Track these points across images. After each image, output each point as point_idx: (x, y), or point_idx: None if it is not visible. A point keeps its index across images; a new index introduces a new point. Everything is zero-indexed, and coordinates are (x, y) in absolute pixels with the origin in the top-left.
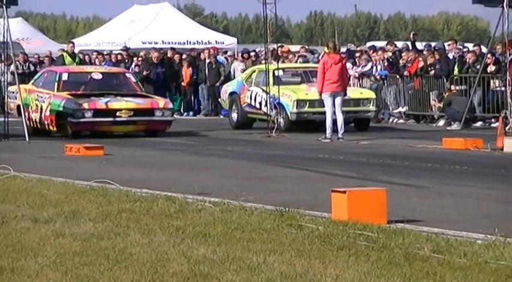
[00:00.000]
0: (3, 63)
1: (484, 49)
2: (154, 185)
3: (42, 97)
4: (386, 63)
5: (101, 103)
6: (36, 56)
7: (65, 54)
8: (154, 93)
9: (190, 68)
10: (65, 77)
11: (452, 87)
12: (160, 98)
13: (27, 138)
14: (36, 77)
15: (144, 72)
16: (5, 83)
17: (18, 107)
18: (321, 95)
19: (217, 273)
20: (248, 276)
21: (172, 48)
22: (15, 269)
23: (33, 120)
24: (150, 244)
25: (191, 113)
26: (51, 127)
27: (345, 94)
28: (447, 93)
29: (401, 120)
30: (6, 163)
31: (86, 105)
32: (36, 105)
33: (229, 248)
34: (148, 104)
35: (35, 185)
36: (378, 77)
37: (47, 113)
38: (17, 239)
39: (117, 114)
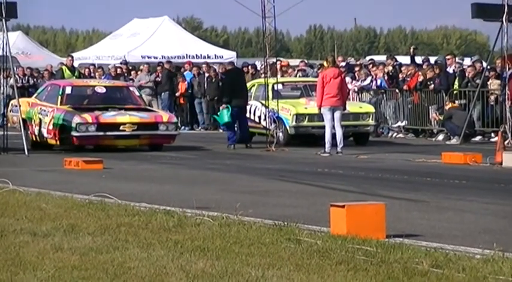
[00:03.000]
0: (2, 77)
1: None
2: (153, 199)
3: (45, 111)
4: (386, 78)
5: (104, 117)
6: (35, 70)
7: (64, 67)
8: None
9: (185, 82)
10: (68, 90)
11: (452, 104)
12: (164, 112)
13: (26, 152)
14: (39, 90)
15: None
16: (4, 97)
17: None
18: (320, 109)
19: None
20: None
21: (169, 61)
22: None
23: (36, 133)
24: (148, 258)
25: (187, 127)
26: (54, 141)
27: (344, 108)
28: (449, 107)
29: (400, 135)
30: (5, 177)
31: (89, 119)
32: (40, 118)
33: (227, 262)
34: (152, 118)
35: (33, 198)
36: (374, 87)
37: (50, 127)
38: (16, 253)
39: (121, 128)
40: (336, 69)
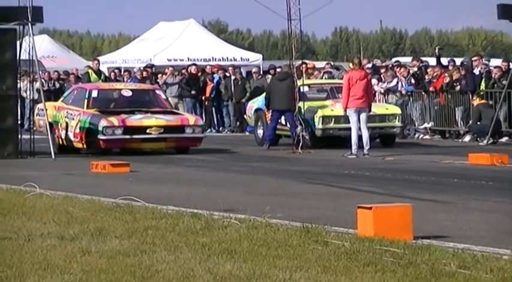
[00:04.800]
0: (28, 81)
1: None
2: (180, 202)
3: (71, 114)
4: (412, 80)
5: (131, 120)
6: (64, 72)
7: (90, 71)
8: None
9: (211, 85)
10: (94, 94)
11: (479, 99)
12: (191, 115)
13: (53, 156)
14: (65, 94)
15: None
16: (30, 100)
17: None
18: (345, 111)
19: None
20: None
21: (194, 64)
22: None
23: (62, 137)
24: (176, 261)
25: (213, 130)
26: (80, 144)
27: (370, 110)
28: (476, 103)
29: (427, 136)
30: (32, 180)
31: (116, 123)
32: (66, 122)
33: (255, 264)
34: (179, 121)
35: (61, 202)
36: (404, 92)
37: (77, 130)
38: (43, 257)
39: (148, 131)
40: (362, 71)
